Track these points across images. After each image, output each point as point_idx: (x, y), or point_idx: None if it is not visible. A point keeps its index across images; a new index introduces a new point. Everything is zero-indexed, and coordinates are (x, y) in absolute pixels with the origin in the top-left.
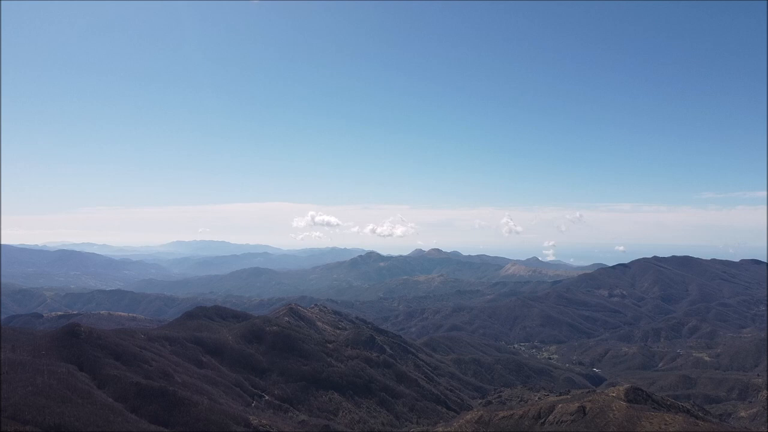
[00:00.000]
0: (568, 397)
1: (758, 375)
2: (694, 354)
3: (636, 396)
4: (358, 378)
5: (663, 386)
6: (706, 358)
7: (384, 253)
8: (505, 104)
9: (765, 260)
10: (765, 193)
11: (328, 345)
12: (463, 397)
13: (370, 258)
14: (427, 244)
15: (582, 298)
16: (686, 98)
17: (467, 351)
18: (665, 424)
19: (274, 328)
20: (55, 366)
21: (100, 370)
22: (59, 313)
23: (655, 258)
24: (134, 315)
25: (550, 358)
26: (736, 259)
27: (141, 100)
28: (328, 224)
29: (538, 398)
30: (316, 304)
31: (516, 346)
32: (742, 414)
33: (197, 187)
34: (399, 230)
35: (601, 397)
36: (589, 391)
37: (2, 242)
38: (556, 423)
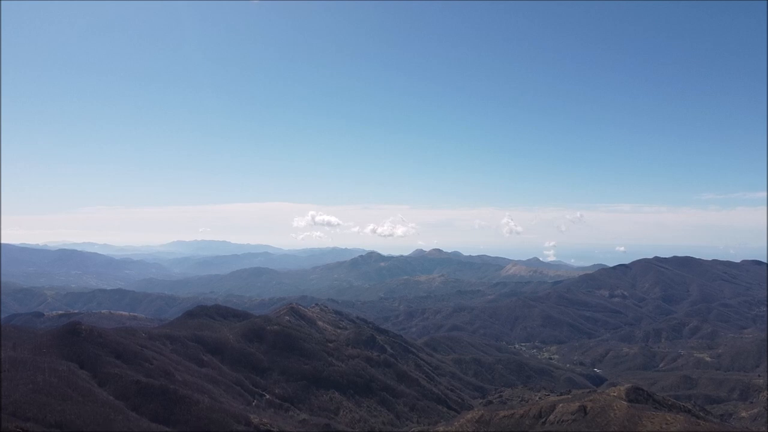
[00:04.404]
0: (569, 396)
1: (759, 375)
2: (695, 354)
3: (637, 396)
4: (358, 377)
5: (664, 386)
6: (707, 359)
7: (385, 253)
8: (505, 104)
9: (766, 261)
10: (765, 194)
11: (329, 344)
12: (463, 397)
13: (370, 258)
14: (427, 244)
15: (583, 298)
16: (686, 98)
17: (468, 351)
18: (666, 424)
19: (275, 327)
20: (56, 364)
21: (101, 369)
22: (60, 312)
23: (656, 258)
24: (135, 314)
25: (550, 359)
26: (737, 260)
27: (141, 100)
28: (329, 224)
29: (539, 398)
30: (316, 304)
31: (517, 346)
32: (743, 414)
33: (197, 187)
34: (399, 230)
35: (602, 397)
36: (590, 391)
37: (3, 242)
38: (557, 422)
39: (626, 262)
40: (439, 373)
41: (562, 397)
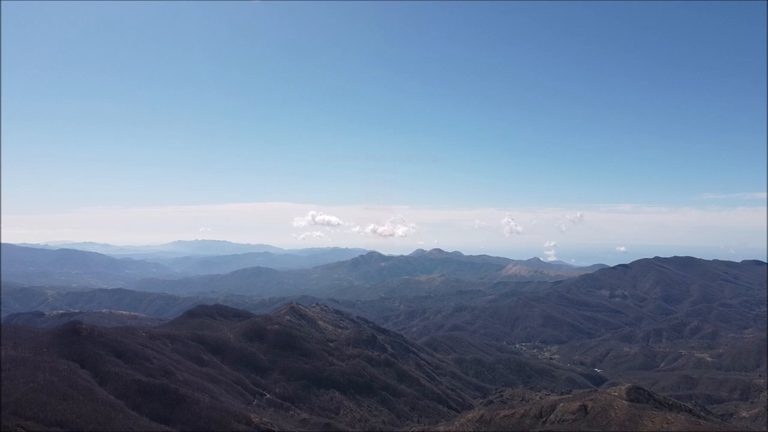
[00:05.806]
0: (570, 396)
1: (760, 375)
2: (695, 354)
3: (638, 395)
4: (359, 377)
5: (665, 386)
6: (708, 359)
7: (385, 253)
8: (505, 104)
9: (766, 261)
10: (765, 194)
11: (330, 344)
12: (464, 397)
13: (371, 258)
14: (428, 244)
15: (583, 298)
16: (686, 98)
17: (468, 351)
18: (667, 423)
19: (276, 326)
20: (56, 363)
21: (102, 368)
22: (61, 311)
23: (657, 258)
24: (136, 314)
25: (551, 358)
26: (738, 260)
27: (141, 99)
28: (329, 224)
29: (540, 397)
30: (317, 304)
31: (517, 346)
32: (744, 414)
33: (198, 187)
34: (400, 230)
35: (602, 396)
36: (590, 391)
37: (4, 241)
38: (558, 422)
39: (627, 262)
40: (439, 372)
41: (563, 396)
